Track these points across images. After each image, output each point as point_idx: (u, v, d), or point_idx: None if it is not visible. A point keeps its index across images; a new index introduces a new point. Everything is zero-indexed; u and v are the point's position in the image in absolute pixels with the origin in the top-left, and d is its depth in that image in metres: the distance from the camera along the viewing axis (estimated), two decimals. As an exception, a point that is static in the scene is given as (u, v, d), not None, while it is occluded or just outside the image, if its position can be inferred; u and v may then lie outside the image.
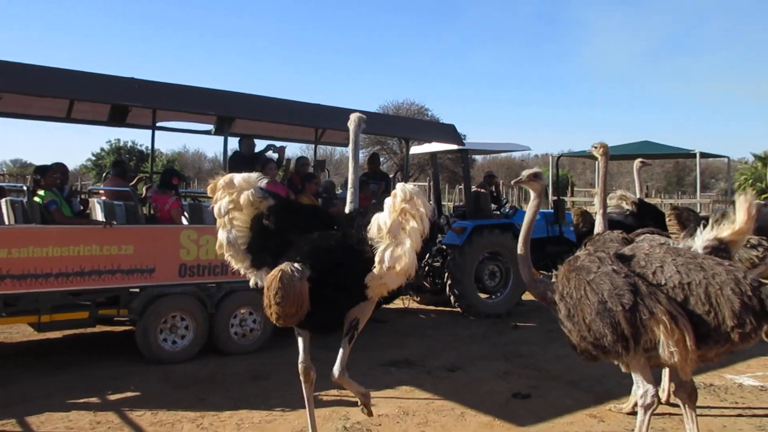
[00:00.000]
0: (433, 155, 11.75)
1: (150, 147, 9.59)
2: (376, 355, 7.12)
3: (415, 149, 11.45)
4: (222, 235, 4.02)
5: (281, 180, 8.92)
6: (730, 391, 5.96)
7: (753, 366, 6.85)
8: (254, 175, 4.01)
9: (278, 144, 9.13)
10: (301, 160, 9.73)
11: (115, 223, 6.64)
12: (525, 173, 4.43)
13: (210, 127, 9.44)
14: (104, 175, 9.80)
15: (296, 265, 3.52)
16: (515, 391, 5.85)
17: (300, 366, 4.39)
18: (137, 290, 6.64)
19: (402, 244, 3.46)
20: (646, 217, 7.80)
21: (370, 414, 4.39)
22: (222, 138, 7.68)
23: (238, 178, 3.94)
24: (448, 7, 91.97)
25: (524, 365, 6.87)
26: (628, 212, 7.96)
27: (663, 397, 5.35)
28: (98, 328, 7.87)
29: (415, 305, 10.51)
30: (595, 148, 6.12)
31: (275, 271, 3.50)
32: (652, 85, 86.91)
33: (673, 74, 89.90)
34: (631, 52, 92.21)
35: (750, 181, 31.72)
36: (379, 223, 3.54)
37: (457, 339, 8.12)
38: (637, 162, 8.53)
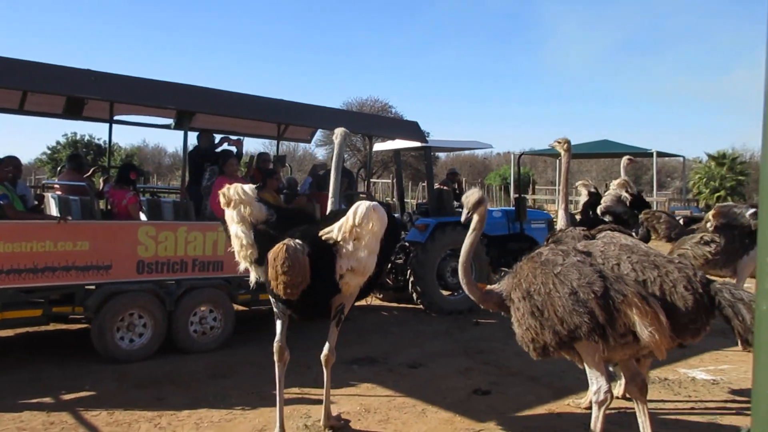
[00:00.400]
0: (397, 152, 11.76)
1: (107, 141, 9.33)
2: (338, 352, 7.05)
3: (379, 146, 11.45)
4: (238, 231, 4.46)
5: (243, 176, 8.82)
6: (683, 385, 6.11)
7: (706, 360, 7.04)
8: (251, 187, 4.56)
9: (234, 137, 9.01)
10: (263, 156, 9.63)
11: (70, 218, 6.47)
12: (469, 201, 4.24)
13: (170, 121, 9.29)
14: (59, 169, 9.54)
15: (297, 240, 3.98)
16: (476, 388, 5.89)
17: (275, 345, 4.68)
18: (93, 287, 6.48)
19: (358, 251, 4.10)
20: (639, 209, 7.96)
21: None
22: (182, 132, 7.56)
23: (247, 188, 4.51)
24: (412, 4, 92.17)
25: (485, 362, 6.93)
26: (624, 198, 8.07)
27: (620, 391, 5.45)
28: (52, 327, 7.68)
29: (377, 302, 10.52)
30: (559, 143, 6.19)
31: (279, 245, 3.91)
32: (612, 82, 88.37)
33: (632, 72, 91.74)
34: (592, 49, 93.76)
35: (704, 180, 32.64)
36: (342, 232, 4.13)
37: (419, 336, 8.15)
38: (624, 159, 9.04)
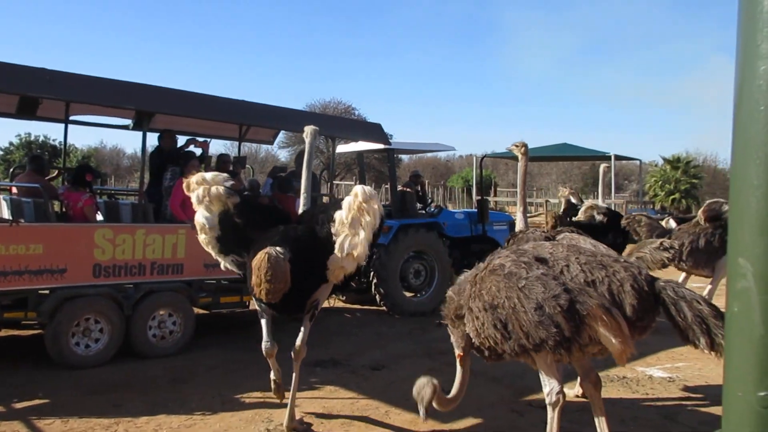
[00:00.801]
0: (360, 154, 11.74)
1: (63, 142, 9.09)
2: (300, 355, 7.04)
3: (342, 148, 11.41)
4: (200, 217, 4.67)
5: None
6: (641, 383, 6.24)
7: (662, 359, 7.20)
8: (222, 174, 4.75)
9: (201, 138, 8.88)
10: (223, 158, 9.49)
11: (22, 221, 6.27)
12: None
13: (128, 121, 9.11)
14: (12, 170, 9.24)
15: (278, 248, 4.16)
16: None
17: (264, 345, 4.92)
18: (47, 292, 6.30)
19: (358, 235, 4.29)
20: (614, 223, 8.64)
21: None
22: (141, 133, 7.42)
23: (208, 175, 4.70)
24: (375, 6, 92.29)
25: (448, 362, 6.93)
26: (598, 221, 8.74)
27: (578, 391, 5.53)
28: (4, 332, 7.44)
29: (340, 304, 10.48)
30: (516, 146, 6.27)
31: (261, 254, 4.11)
32: (572, 86, 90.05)
33: (591, 77, 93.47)
34: (553, 53, 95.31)
35: (659, 183, 33.44)
36: (342, 217, 4.34)
37: (382, 337, 8.14)
38: (603, 167, 10.06)
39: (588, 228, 8.63)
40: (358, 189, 4.35)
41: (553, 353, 3.63)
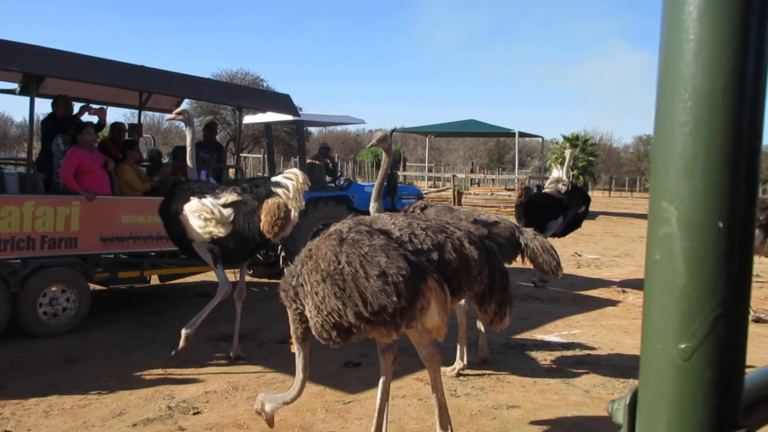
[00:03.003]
0: (268, 126, 11.48)
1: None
2: (204, 329, 6.85)
3: (249, 119, 11.11)
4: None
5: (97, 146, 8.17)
6: (539, 350, 6.52)
7: (560, 326, 7.55)
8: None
9: (96, 106, 8.36)
10: (117, 126, 8.98)
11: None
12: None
13: (15, 85, 8.44)
14: None
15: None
16: (346, 360, 5.93)
17: (226, 287, 5.97)
18: None
19: (299, 203, 5.83)
20: (575, 195, 10.48)
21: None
22: (29, 99, 6.88)
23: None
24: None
25: (356, 335, 6.98)
26: (562, 191, 10.47)
27: (460, 365, 5.70)
28: None
29: (247, 278, 10.27)
30: (380, 141, 5.96)
31: (273, 201, 5.66)
32: (479, 64, 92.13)
33: (498, 56, 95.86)
34: (460, 31, 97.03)
35: (560, 159, 34.91)
36: (290, 189, 5.79)
37: (290, 311, 8.05)
38: (568, 152, 11.95)
39: (552, 199, 10.27)
40: (297, 171, 5.95)
41: (389, 323, 3.58)
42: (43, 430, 4.30)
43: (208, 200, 5.84)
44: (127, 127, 9.29)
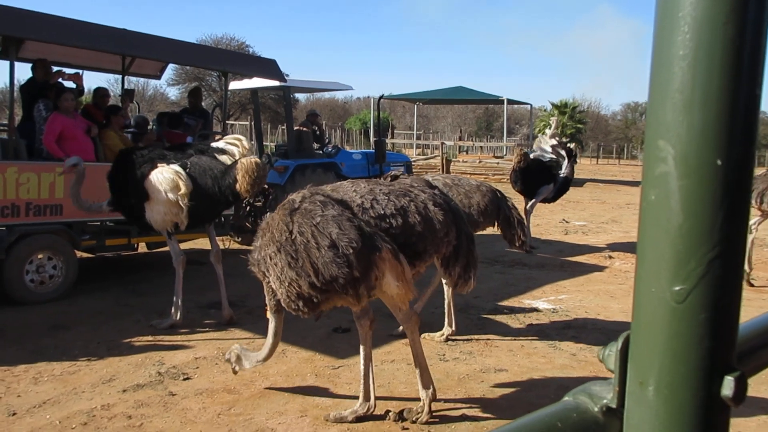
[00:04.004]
0: (254, 92, 11.33)
1: None
2: (193, 297, 6.85)
3: (235, 85, 10.96)
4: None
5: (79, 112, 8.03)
6: (527, 315, 6.58)
7: (547, 292, 7.61)
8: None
9: (71, 71, 8.16)
10: (100, 92, 8.83)
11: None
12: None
13: (-6, 49, 8.25)
14: None
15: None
16: (336, 326, 5.95)
17: (182, 258, 5.97)
18: None
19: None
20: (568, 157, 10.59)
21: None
22: (8, 63, 6.72)
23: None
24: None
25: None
26: (549, 152, 10.57)
27: (447, 332, 5.74)
28: None
29: (236, 246, 10.25)
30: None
31: (251, 160, 5.68)
32: (467, 31, 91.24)
33: (487, 22, 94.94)
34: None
35: (547, 126, 34.86)
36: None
37: (278, 278, 8.05)
38: (554, 119, 13.16)
39: (544, 165, 10.40)
40: (240, 136, 6.20)
41: (344, 293, 3.62)
42: (33, 396, 4.30)
43: (175, 168, 5.73)
44: (117, 92, 9.16)
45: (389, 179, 4.22)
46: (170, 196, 5.64)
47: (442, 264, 4.10)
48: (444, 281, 5.30)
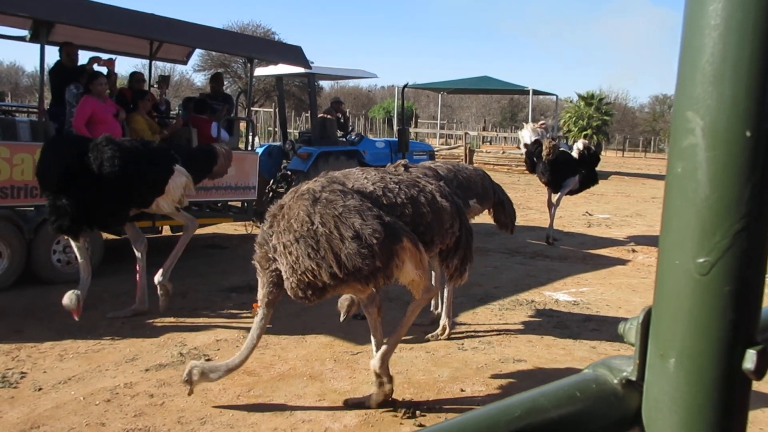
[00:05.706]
0: (279, 79, 11.38)
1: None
2: (216, 280, 6.94)
3: (260, 71, 11.00)
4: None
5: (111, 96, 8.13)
6: (548, 306, 6.55)
7: (568, 284, 7.56)
8: None
9: (105, 56, 8.28)
10: (136, 76, 8.94)
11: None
12: None
13: (25, 32, 8.38)
14: None
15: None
16: (355, 313, 5.97)
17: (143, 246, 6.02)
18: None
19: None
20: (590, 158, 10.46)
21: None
22: (39, 46, 6.82)
23: None
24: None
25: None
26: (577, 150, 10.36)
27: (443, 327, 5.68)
28: None
29: (258, 231, 10.33)
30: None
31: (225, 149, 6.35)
32: (494, 20, 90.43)
33: (514, 11, 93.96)
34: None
35: (573, 118, 34.52)
36: None
37: (300, 264, 8.11)
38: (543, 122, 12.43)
39: (570, 158, 10.29)
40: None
41: (366, 282, 3.64)
42: (58, 372, 4.40)
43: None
44: (158, 78, 9.33)
45: (401, 168, 4.25)
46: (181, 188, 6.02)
47: (441, 255, 4.15)
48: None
